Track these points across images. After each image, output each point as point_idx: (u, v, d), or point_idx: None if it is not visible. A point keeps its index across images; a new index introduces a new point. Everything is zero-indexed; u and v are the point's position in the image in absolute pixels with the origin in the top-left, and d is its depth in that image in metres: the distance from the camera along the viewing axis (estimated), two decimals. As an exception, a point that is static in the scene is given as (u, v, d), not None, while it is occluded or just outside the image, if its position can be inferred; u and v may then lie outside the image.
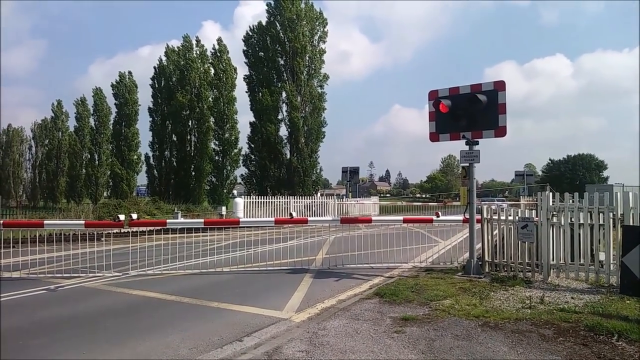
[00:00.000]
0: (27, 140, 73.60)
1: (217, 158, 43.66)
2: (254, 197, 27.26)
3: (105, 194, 62.76)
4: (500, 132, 8.86)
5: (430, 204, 37.38)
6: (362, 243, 11.17)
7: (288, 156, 38.06)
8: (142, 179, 57.04)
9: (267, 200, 26.67)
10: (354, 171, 32.62)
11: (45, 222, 9.18)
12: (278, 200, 27.36)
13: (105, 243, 10.32)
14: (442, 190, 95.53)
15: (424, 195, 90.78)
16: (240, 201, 25.88)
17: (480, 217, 9.44)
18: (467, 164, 9.29)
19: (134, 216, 9.83)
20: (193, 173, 46.22)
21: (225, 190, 44.00)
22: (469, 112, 9.04)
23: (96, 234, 10.93)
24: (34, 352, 5.19)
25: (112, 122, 55.75)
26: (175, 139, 45.56)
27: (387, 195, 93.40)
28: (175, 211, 24.87)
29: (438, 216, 11.11)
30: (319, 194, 37.57)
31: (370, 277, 9.32)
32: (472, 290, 7.69)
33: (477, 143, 9.18)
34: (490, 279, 8.64)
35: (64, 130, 66.47)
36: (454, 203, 44.03)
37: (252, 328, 5.95)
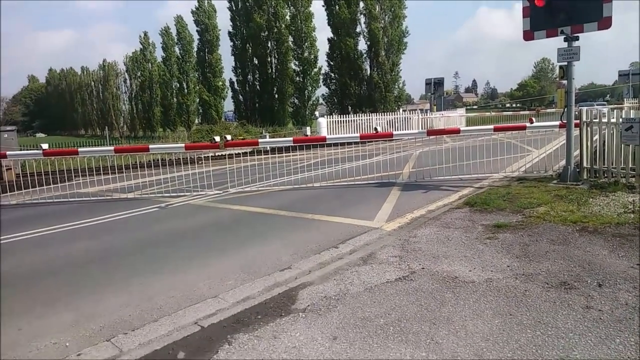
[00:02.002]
0: (122, 73, 77.59)
1: (297, 79, 43.75)
2: (336, 116, 27.36)
3: (196, 121, 65.91)
4: (605, 23, 8.00)
5: (522, 112, 35.22)
6: (450, 156, 11.01)
7: (368, 72, 37.24)
8: (228, 105, 58.92)
9: (349, 118, 26.70)
10: (439, 82, 31.35)
11: (150, 146, 10.04)
12: (359, 118, 27.28)
13: (204, 165, 11.11)
14: (534, 97, 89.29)
15: (514, 105, 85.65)
16: (323, 121, 26.16)
17: (578, 121, 8.86)
18: (566, 63, 8.59)
19: (229, 137, 10.40)
20: (276, 95, 46.77)
21: (307, 111, 44.41)
22: (569, 3, 8.22)
23: (196, 157, 11.72)
24: (156, 259, 5.93)
25: (195, 49, 56.98)
26: (256, 62, 45.94)
27: (474, 106, 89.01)
28: (263, 133, 25.74)
29: (532, 122, 10.54)
30: (401, 110, 36.82)
31: (459, 188, 9.28)
32: (568, 197, 7.44)
33: (576, 39, 8.40)
34: (588, 186, 8.27)
35: (153, 61, 69.11)
36: (548, 110, 41.15)
37: (345, 236, 6.29)
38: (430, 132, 10.74)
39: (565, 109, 8.73)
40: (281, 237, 6.58)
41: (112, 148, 10.36)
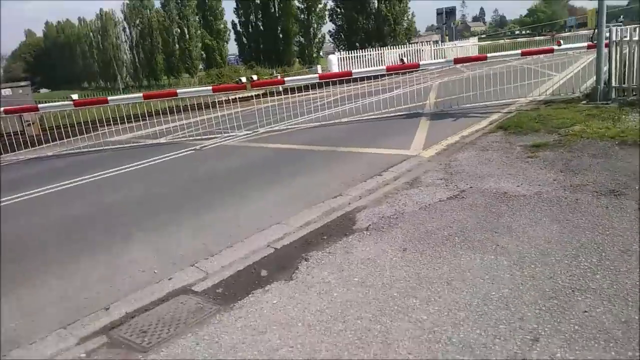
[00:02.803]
0: (120, 22, 75.72)
1: (302, 16, 42.67)
2: (347, 52, 26.91)
3: (200, 66, 64.94)
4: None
5: (536, 38, 34.38)
6: (470, 85, 10.98)
7: (376, 4, 36.14)
8: (231, 48, 57.80)
9: (360, 54, 26.27)
10: (450, 12, 30.49)
11: (179, 90, 10.13)
12: (369, 53, 26.84)
13: (228, 107, 11.21)
14: (546, 23, 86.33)
15: (523, 31, 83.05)
16: (334, 58, 25.81)
17: (607, 41, 8.78)
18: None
19: (255, 77, 10.44)
20: (280, 35, 45.78)
21: (314, 50, 43.62)
22: None
23: (216, 101, 11.76)
24: (211, 196, 6.22)
25: (194, -8, 55.23)
26: (258, 1, 44.66)
27: (483, 35, 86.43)
28: (274, 74, 25.50)
29: (560, 45, 10.43)
30: (411, 43, 36.01)
31: (487, 114, 9.37)
32: (601, 115, 7.54)
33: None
34: (618, 104, 8.33)
35: (151, 8, 67.31)
36: (562, 35, 40.01)
37: (387, 164, 6.51)
38: (457, 60, 10.69)
39: (596, 30, 8.64)
40: (324, 169, 6.83)
41: (140, 95, 10.47)
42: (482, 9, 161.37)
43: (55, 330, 3.28)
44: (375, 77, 13.29)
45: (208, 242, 4.56)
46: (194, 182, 7.10)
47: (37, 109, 10.63)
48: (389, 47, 29.09)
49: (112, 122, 11.98)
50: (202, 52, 62.19)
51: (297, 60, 46.60)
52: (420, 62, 11.47)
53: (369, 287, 3.27)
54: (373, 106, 11.38)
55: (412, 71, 12.19)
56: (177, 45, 64.56)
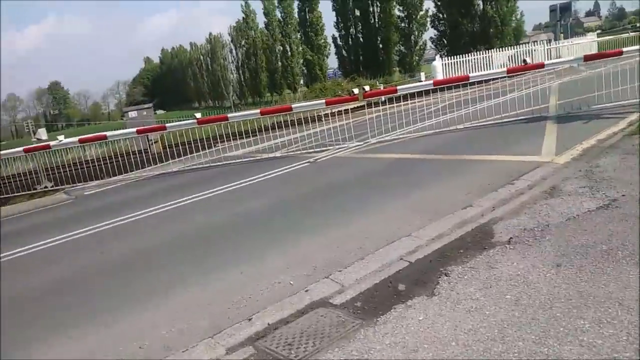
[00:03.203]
0: (227, 44, 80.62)
1: (402, 25, 42.18)
2: (451, 58, 26.09)
3: (301, 81, 66.90)
4: None
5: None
6: (596, 84, 9.96)
7: (481, 6, 34.74)
8: (330, 62, 58.77)
9: (467, 58, 25.33)
10: (565, 8, 28.36)
11: (293, 105, 10.44)
12: (475, 57, 25.76)
13: (339, 119, 11.28)
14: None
15: (647, 23, 75.07)
16: (438, 64, 25.14)
17: None
18: None
19: (367, 88, 10.44)
20: (380, 45, 45.69)
21: (415, 57, 42.91)
22: None
23: (326, 114, 11.86)
24: (333, 206, 6.24)
25: (296, 10, 57.15)
26: (358, 13, 45.00)
27: (598, 31, 79.49)
28: (378, 84, 25.47)
29: None
30: (520, 43, 34.05)
31: (622, 114, 8.48)
32: None
33: None
34: None
35: (256, 28, 70.69)
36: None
37: (517, 173, 6.08)
38: (588, 58, 9.80)
39: None
40: (443, 178, 6.58)
41: (257, 111, 10.91)
42: (596, 2, 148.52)
43: (204, 339, 3.41)
44: (479, 82, 12.57)
45: (338, 254, 4.53)
46: (314, 193, 7.19)
47: (164, 129, 11.51)
48: (497, 50, 27.73)
49: (225, 139, 12.46)
50: (303, 68, 63.99)
51: (397, 70, 46.22)
52: (546, 62, 10.67)
53: (525, 306, 3.01)
54: (491, 111, 10.75)
55: (523, 74, 11.42)
56: (279, 63, 67.16)
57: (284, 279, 4.22)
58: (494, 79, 13.91)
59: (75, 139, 11.10)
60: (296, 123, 11.67)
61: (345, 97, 10.99)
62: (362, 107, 11.55)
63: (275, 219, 6.21)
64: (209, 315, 3.80)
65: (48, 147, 10.77)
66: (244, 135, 11.93)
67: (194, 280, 4.56)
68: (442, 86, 11.23)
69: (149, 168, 12.26)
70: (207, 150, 12.14)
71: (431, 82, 10.92)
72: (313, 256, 4.59)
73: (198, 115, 10.57)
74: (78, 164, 13.32)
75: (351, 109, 11.35)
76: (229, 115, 10.98)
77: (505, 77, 11.84)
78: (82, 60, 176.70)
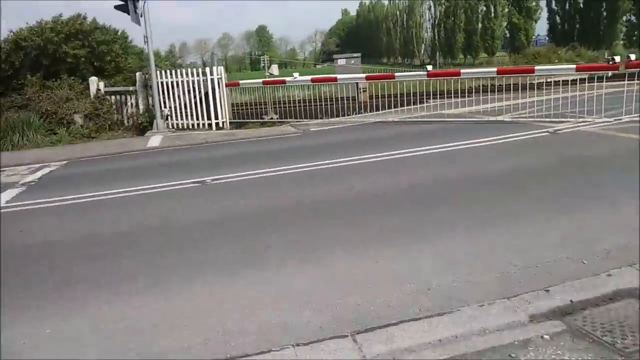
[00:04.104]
0: (427, 0, 78.15)
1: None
2: None
3: (499, 46, 62.37)
4: None
5: None
6: None
7: None
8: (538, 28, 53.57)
9: None
10: None
11: (536, 67, 9.44)
12: None
13: (589, 88, 9.78)
14: None
15: None
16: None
17: None
18: None
19: (633, 57, 8.93)
20: (604, 13, 40.04)
21: (652, 29, 36.52)
22: None
23: (578, 80, 10.37)
24: (595, 188, 5.49)
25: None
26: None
27: None
28: (606, 56, 22.27)
29: None
30: None
31: None
32: None
33: None
34: None
35: (460, -15, 66.95)
36: None
37: None
38: None
39: None
40: None
41: (493, 69, 10.19)
42: None
43: (500, 299, 3.20)
44: None
45: (628, 239, 3.90)
46: (566, 167, 6.44)
47: (393, 77, 11.38)
48: None
49: (431, 96, 11.85)
50: (506, 31, 59.44)
51: (621, 43, 40.07)
52: None
53: None
54: None
55: None
56: (480, 24, 63.32)
57: (571, 254, 3.78)
58: None
59: (308, 77, 11.74)
60: (520, 88, 10.53)
61: (602, 64, 9.58)
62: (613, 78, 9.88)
63: (533, 187, 5.66)
64: (499, 272, 3.58)
65: (283, 82, 11.62)
66: (459, 95, 11.28)
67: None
68: None
69: (360, 115, 12.44)
70: (419, 105, 11.82)
71: None
72: (601, 237, 4.04)
73: (429, 67, 10.27)
74: (295, 102, 14.10)
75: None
76: (462, 70, 10.43)
77: None
78: (287, 7, 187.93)
